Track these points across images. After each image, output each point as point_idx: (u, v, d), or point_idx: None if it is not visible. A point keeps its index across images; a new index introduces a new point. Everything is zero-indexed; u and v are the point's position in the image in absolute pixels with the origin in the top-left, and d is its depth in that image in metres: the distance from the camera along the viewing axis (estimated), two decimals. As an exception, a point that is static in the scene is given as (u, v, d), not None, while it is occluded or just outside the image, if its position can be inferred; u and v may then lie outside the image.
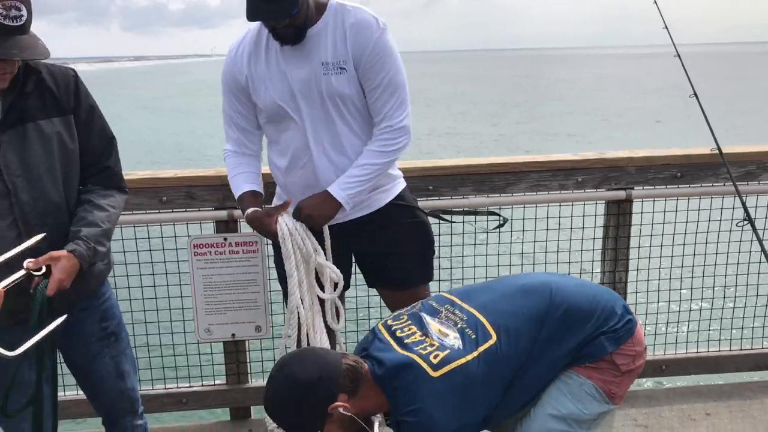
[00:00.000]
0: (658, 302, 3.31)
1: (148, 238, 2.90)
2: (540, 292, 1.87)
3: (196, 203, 2.84)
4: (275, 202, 2.50)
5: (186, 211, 2.85)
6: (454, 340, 1.76)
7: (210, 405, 3.13)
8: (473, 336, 1.77)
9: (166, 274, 2.96)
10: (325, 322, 2.37)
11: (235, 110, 2.37)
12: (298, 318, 2.29)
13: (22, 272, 1.75)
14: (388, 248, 2.42)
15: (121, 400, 2.16)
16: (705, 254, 3.22)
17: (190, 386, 3.08)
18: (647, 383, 3.81)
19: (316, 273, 2.31)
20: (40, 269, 1.79)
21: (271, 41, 2.24)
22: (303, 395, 1.70)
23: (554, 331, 1.83)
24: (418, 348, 1.75)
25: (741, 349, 3.31)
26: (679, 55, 2.84)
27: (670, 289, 3.26)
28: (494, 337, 1.76)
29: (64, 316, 1.82)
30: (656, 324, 3.32)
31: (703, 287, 3.25)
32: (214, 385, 3.08)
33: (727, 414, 3.05)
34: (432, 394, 1.68)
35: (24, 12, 1.74)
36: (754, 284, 3.29)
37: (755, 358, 3.30)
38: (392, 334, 1.84)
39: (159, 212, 2.84)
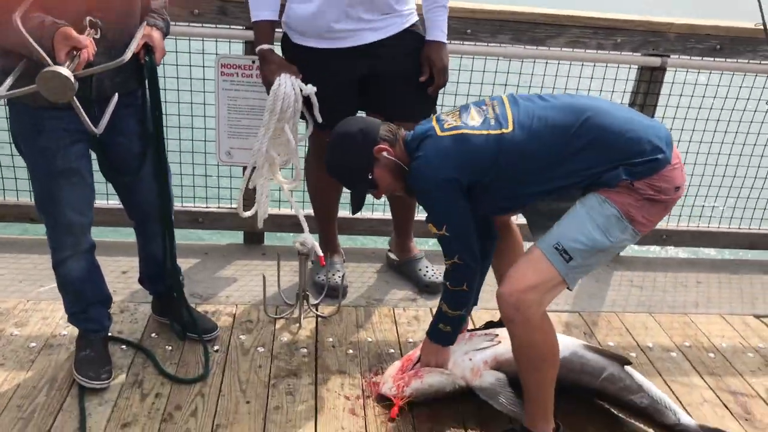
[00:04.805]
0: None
1: (176, 51, 2.81)
2: (577, 112, 1.91)
3: (227, 19, 2.74)
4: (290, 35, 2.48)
5: (216, 27, 2.76)
6: (475, 122, 1.97)
7: (225, 227, 3.17)
8: (492, 123, 1.95)
9: (191, 91, 2.91)
10: None
11: None
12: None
13: (128, 55, 1.87)
14: (396, 72, 2.43)
15: (158, 202, 2.19)
16: (725, 132, 3.25)
17: (206, 207, 3.13)
18: (648, 249, 3.96)
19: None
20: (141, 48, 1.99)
21: None
22: (351, 142, 2.04)
23: (574, 149, 1.88)
24: (442, 119, 2.02)
25: (739, 228, 3.43)
26: None
27: (684, 163, 3.28)
28: (510, 128, 1.92)
29: (116, 96, 1.93)
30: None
31: (716, 164, 3.31)
32: (231, 208, 3.13)
33: (716, 283, 3.21)
34: (431, 146, 1.97)
35: None
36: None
37: (751, 238, 3.43)
38: (437, 116, 2.08)
39: (189, 25, 2.74)
